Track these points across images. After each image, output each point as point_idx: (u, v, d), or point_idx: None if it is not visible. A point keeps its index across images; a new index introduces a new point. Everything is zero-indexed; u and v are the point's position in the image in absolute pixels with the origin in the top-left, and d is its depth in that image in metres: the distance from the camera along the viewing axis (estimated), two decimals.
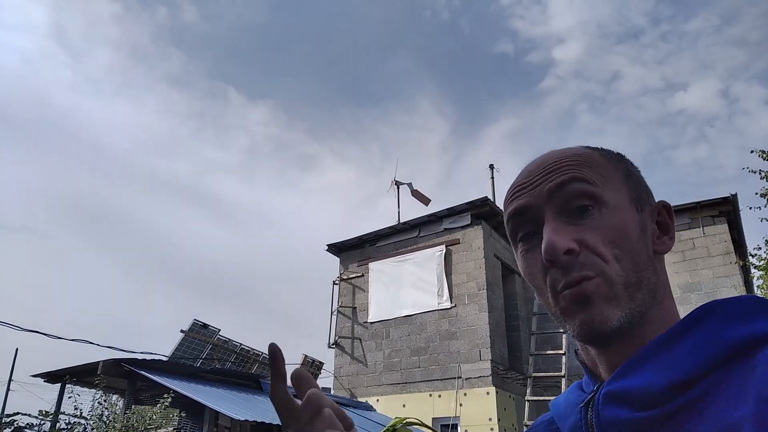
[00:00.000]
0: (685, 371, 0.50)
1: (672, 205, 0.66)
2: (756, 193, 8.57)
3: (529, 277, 0.62)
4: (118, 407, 7.86)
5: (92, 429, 7.44)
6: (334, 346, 12.73)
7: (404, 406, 10.96)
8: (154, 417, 7.34)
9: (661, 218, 0.63)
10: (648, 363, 0.52)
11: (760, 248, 8.93)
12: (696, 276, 10.50)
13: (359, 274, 13.02)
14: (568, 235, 0.57)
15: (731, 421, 0.45)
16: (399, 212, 14.02)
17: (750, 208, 8.67)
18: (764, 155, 8.30)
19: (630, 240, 0.57)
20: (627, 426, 0.51)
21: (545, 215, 0.59)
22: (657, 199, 0.66)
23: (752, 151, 8.39)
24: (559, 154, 0.63)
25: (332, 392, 12.10)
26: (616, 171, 0.62)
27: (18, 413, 12.03)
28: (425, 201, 14.48)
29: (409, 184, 14.65)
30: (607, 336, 0.55)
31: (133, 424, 7.17)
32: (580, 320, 0.56)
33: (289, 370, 0.49)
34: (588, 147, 0.66)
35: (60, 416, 8.93)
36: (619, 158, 0.65)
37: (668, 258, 0.70)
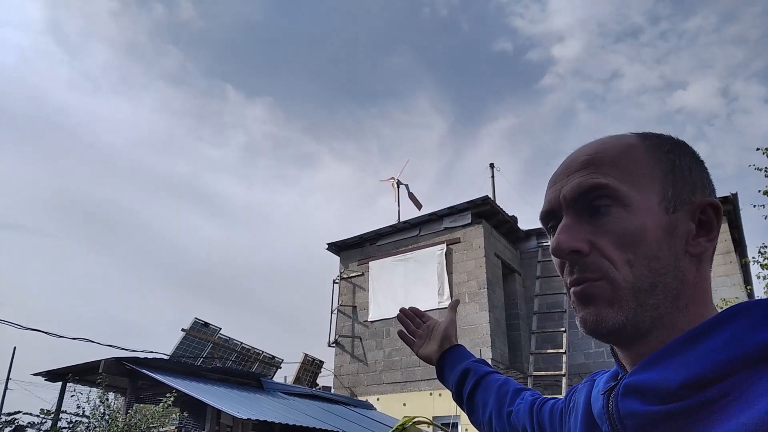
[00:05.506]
0: (701, 370, 0.49)
1: None
2: (759, 191, 8.57)
3: (555, 267, 0.64)
4: (115, 406, 7.86)
5: (95, 427, 7.44)
6: (334, 345, 12.74)
7: (405, 404, 10.97)
8: (156, 415, 7.35)
9: (705, 217, 0.58)
10: (668, 359, 0.52)
11: (766, 246, 8.86)
12: None
13: (359, 273, 13.03)
14: (580, 235, 0.57)
15: (736, 427, 0.44)
16: (399, 211, 14.08)
17: (754, 206, 8.66)
18: None
19: (646, 245, 0.55)
20: (642, 418, 0.52)
21: (563, 211, 0.61)
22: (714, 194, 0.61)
23: (758, 149, 8.38)
24: (590, 150, 0.62)
25: (332, 391, 12.11)
26: (654, 166, 0.59)
27: (19, 411, 12.03)
28: (417, 206, 14.61)
29: (406, 186, 14.75)
30: (604, 335, 0.57)
31: (135, 423, 7.18)
32: (581, 317, 0.58)
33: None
34: (636, 135, 0.62)
35: (61, 414, 8.93)
36: (670, 149, 0.60)
37: None
